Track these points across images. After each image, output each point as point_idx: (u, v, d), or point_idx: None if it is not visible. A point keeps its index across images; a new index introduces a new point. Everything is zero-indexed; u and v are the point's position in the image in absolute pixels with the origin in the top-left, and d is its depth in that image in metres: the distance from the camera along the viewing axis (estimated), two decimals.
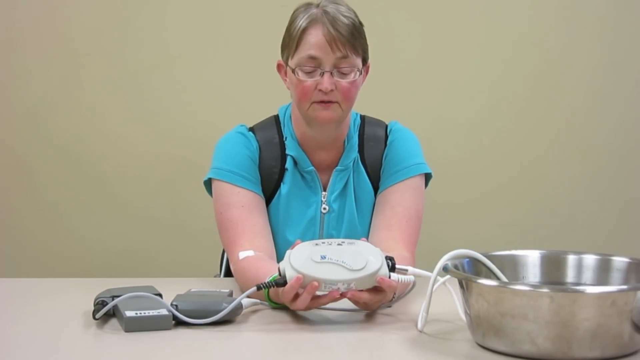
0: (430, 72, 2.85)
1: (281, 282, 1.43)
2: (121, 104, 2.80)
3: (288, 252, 1.46)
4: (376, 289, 1.46)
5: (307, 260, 1.43)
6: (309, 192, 1.84)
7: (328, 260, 1.43)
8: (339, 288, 1.42)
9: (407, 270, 1.49)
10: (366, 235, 1.84)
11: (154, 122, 2.80)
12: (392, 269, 1.46)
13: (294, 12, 1.77)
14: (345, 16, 1.72)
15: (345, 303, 1.48)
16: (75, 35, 2.78)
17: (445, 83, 2.86)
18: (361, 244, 1.49)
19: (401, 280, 1.47)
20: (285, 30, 1.78)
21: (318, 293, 1.44)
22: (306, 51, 1.72)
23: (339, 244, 1.47)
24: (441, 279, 1.46)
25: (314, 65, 1.72)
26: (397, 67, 2.79)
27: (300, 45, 1.73)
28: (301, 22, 1.73)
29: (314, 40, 1.71)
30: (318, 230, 1.84)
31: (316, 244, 1.47)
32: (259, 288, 1.44)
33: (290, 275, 1.42)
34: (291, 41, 1.74)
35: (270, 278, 1.48)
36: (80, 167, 2.80)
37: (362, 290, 1.45)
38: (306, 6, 1.76)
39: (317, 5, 1.75)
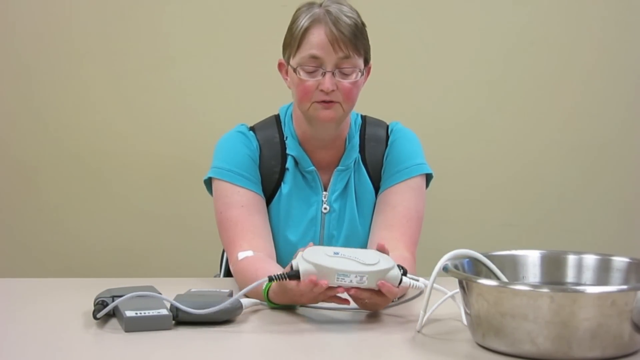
0: (430, 72, 2.85)
1: (293, 274, 1.43)
2: (121, 104, 2.80)
3: (300, 252, 1.46)
4: (378, 293, 1.46)
5: (321, 254, 1.44)
6: (309, 192, 1.84)
7: (341, 256, 1.44)
8: (351, 280, 1.42)
9: (418, 280, 1.49)
10: (367, 235, 1.84)
11: (154, 122, 2.80)
12: (403, 274, 1.47)
13: (296, 11, 1.77)
14: (347, 16, 1.72)
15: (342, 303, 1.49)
16: (76, 35, 2.78)
17: (445, 83, 2.86)
18: (373, 250, 1.51)
19: (412, 285, 1.47)
20: (287, 29, 1.78)
21: (331, 285, 1.43)
22: (308, 51, 1.72)
23: (351, 249, 1.49)
24: (449, 293, 1.45)
25: (316, 65, 1.72)
26: (397, 66, 2.79)
27: (302, 44, 1.72)
28: (303, 21, 1.73)
29: (316, 40, 1.71)
30: (319, 230, 1.84)
31: (328, 247, 1.49)
32: (270, 279, 1.44)
33: (303, 267, 1.42)
34: (293, 40, 1.74)
35: (265, 287, 1.51)
36: (80, 167, 2.80)
37: (365, 290, 1.45)
38: (309, 5, 1.76)
39: (320, 5, 1.74)
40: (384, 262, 1.45)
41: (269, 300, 1.55)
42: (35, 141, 2.79)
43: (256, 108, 1.99)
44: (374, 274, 1.43)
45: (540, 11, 2.86)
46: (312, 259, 1.43)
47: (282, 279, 1.44)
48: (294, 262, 1.44)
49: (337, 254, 1.44)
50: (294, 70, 1.74)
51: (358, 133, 1.87)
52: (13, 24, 2.77)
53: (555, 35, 2.87)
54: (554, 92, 2.88)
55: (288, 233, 1.83)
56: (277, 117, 1.89)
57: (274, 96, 1.98)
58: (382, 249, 1.51)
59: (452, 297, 1.45)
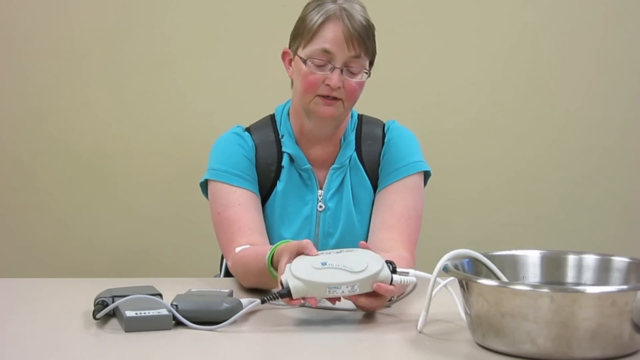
0: (430, 72, 2.85)
1: (284, 292, 1.43)
2: (121, 104, 2.80)
3: (287, 265, 1.46)
4: (375, 293, 1.46)
5: (308, 267, 1.43)
6: (305, 190, 1.85)
7: (329, 266, 1.43)
8: (342, 291, 1.42)
9: (408, 272, 1.48)
10: (364, 233, 1.84)
11: (154, 122, 2.80)
12: (393, 272, 1.46)
13: (307, 6, 1.78)
14: (361, 15, 1.74)
15: (345, 303, 1.48)
16: (76, 35, 2.77)
17: (445, 82, 2.86)
18: (360, 250, 1.50)
19: (403, 282, 1.47)
20: (299, 19, 1.78)
21: (323, 297, 1.44)
22: (321, 44, 1.72)
23: (337, 252, 1.49)
24: (442, 282, 1.45)
25: (326, 59, 1.73)
26: (397, 66, 2.79)
27: (316, 37, 1.73)
28: (319, 15, 1.73)
29: (331, 35, 1.72)
30: (314, 228, 1.84)
31: (316, 254, 1.47)
32: (263, 301, 1.44)
33: (293, 284, 1.41)
34: (306, 32, 1.74)
35: (269, 252, 1.54)
36: (80, 167, 2.80)
37: (362, 296, 1.45)
38: (320, 1, 1.76)
39: (334, 1, 1.75)
40: (372, 265, 1.44)
41: (272, 274, 1.55)
42: (35, 141, 2.79)
43: (257, 108, 1.99)
44: (364, 281, 1.43)
45: (540, 11, 2.86)
46: (300, 274, 1.42)
47: (275, 299, 1.43)
48: (283, 278, 1.44)
49: (325, 264, 1.43)
50: (303, 61, 1.74)
51: (354, 131, 1.87)
52: (13, 23, 2.77)
53: (555, 35, 2.86)
54: (554, 92, 2.88)
55: (283, 231, 1.83)
56: (272, 117, 1.90)
57: (274, 96, 1.98)
58: (365, 247, 1.51)
59: (446, 287, 1.45)
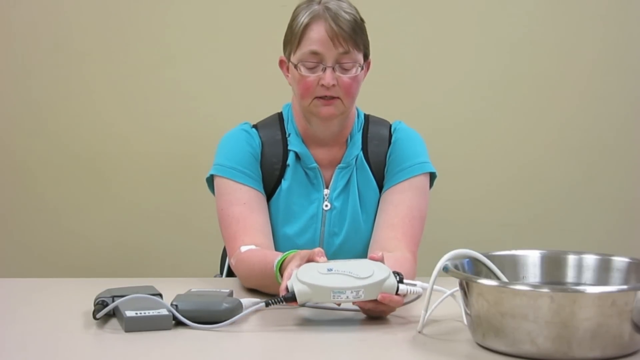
0: (430, 71, 2.85)
1: (289, 297, 1.43)
2: (121, 104, 2.80)
3: (294, 270, 1.46)
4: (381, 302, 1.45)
5: (314, 272, 1.43)
6: (311, 188, 1.85)
7: (335, 272, 1.43)
8: (347, 296, 1.42)
9: (415, 284, 1.48)
10: (370, 233, 1.84)
11: (154, 121, 2.80)
12: (400, 282, 1.46)
13: (296, 9, 1.79)
14: (346, 12, 1.75)
15: (345, 303, 1.49)
16: (76, 34, 2.78)
17: (445, 82, 2.86)
18: (367, 260, 1.50)
19: (410, 292, 1.46)
20: (288, 26, 1.79)
21: (327, 304, 1.44)
22: (308, 47, 1.74)
23: (345, 261, 1.49)
24: (448, 292, 1.45)
25: (316, 60, 1.74)
26: (398, 66, 2.79)
27: (303, 41, 1.74)
28: (303, 18, 1.75)
29: (316, 36, 1.73)
30: (319, 227, 1.84)
31: (324, 262, 1.48)
32: (267, 304, 1.44)
33: (298, 288, 1.42)
34: (293, 37, 1.76)
35: (280, 258, 1.54)
36: (80, 167, 2.80)
37: (368, 302, 1.45)
38: (308, 2, 1.78)
39: (319, 2, 1.76)
40: (378, 273, 1.44)
41: (278, 279, 1.55)
42: (35, 141, 2.79)
43: (256, 107, 1.99)
44: (369, 287, 1.42)
45: (540, 11, 2.86)
46: (306, 278, 1.42)
47: (279, 303, 1.44)
48: (289, 283, 1.44)
49: (331, 270, 1.43)
50: (295, 66, 1.76)
51: (360, 131, 1.88)
52: (13, 23, 2.77)
53: (556, 35, 2.87)
54: (554, 92, 2.88)
55: (288, 229, 1.83)
56: (280, 115, 1.90)
57: (274, 95, 1.98)
58: (374, 259, 1.50)
59: (452, 295, 1.45)
